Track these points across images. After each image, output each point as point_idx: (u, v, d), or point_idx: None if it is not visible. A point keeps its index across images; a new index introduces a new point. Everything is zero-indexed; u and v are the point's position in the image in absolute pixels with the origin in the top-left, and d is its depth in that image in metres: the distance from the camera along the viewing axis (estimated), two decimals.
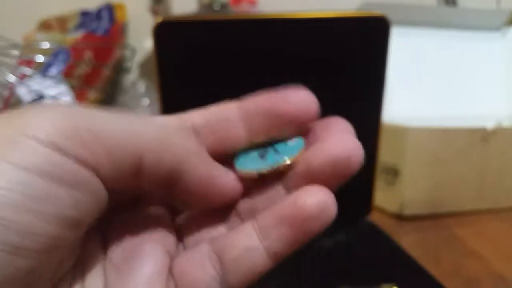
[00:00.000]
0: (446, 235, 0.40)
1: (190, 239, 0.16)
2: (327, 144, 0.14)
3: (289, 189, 0.15)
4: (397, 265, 0.32)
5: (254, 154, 0.17)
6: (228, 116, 0.16)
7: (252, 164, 0.16)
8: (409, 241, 0.38)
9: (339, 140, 0.14)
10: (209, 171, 0.15)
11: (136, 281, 0.14)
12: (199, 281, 0.14)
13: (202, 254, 0.14)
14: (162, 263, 0.14)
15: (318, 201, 0.13)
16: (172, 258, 0.15)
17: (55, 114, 0.12)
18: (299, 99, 0.16)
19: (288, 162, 0.15)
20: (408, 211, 0.44)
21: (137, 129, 0.13)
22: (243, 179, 0.16)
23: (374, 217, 0.41)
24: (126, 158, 0.12)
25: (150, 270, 0.14)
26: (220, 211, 0.16)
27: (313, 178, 0.14)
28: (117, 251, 0.15)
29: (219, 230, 0.16)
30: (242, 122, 0.16)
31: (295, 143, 0.16)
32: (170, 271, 0.15)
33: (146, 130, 0.13)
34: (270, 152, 0.16)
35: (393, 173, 0.44)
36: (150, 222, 0.16)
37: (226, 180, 0.15)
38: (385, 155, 0.44)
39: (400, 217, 0.44)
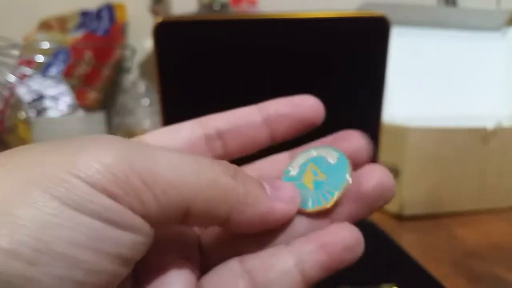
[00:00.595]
0: (446, 235, 0.40)
1: (215, 256, 0.16)
2: (375, 169, 0.15)
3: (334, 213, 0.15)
4: (397, 265, 0.32)
5: (297, 181, 0.16)
6: (252, 120, 0.17)
7: (308, 197, 0.16)
8: (409, 241, 0.38)
9: (380, 167, 0.15)
10: (257, 213, 0.14)
11: None
12: None
13: (234, 274, 0.14)
14: (189, 283, 0.14)
15: (356, 236, 0.14)
16: (198, 275, 0.15)
17: (107, 154, 0.12)
18: (312, 103, 0.17)
19: (342, 193, 0.15)
20: (408, 211, 0.44)
21: (187, 179, 0.13)
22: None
23: (374, 217, 0.41)
24: (175, 208, 0.13)
25: None
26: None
27: (363, 200, 0.15)
28: (144, 271, 0.15)
29: (248, 248, 0.15)
30: (264, 125, 0.17)
31: (339, 161, 0.16)
32: None
33: (195, 180, 0.13)
34: (314, 174, 0.16)
35: (393, 173, 0.44)
36: (176, 238, 0.16)
37: (275, 215, 0.15)
38: (385, 155, 0.44)
39: (400, 217, 0.44)
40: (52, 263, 0.10)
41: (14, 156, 0.12)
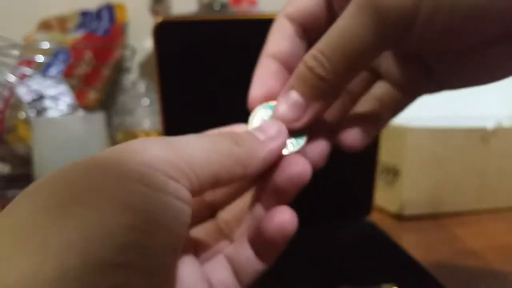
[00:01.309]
0: (446, 235, 0.40)
1: (202, 252, 0.20)
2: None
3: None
4: (397, 265, 0.32)
5: None
6: None
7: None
8: (409, 241, 0.38)
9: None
10: (259, 161, 0.18)
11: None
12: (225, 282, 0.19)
13: (221, 263, 0.20)
14: (200, 271, 0.18)
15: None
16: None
17: (161, 148, 0.15)
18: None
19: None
20: (408, 211, 0.44)
21: (215, 158, 0.17)
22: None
23: (374, 217, 0.41)
24: (208, 181, 0.16)
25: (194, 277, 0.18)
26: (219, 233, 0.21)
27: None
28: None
29: (225, 243, 0.20)
30: None
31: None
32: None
33: (219, 157, 0.17)
34: None
35: (393, 173, 0.44)
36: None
37: (272, 152, 0.19)
38: (385, 155, 0.44)
39: (400, 217, 0.44)
40: (157, 233, 0.14)
41: (98, 163, 0.15)
